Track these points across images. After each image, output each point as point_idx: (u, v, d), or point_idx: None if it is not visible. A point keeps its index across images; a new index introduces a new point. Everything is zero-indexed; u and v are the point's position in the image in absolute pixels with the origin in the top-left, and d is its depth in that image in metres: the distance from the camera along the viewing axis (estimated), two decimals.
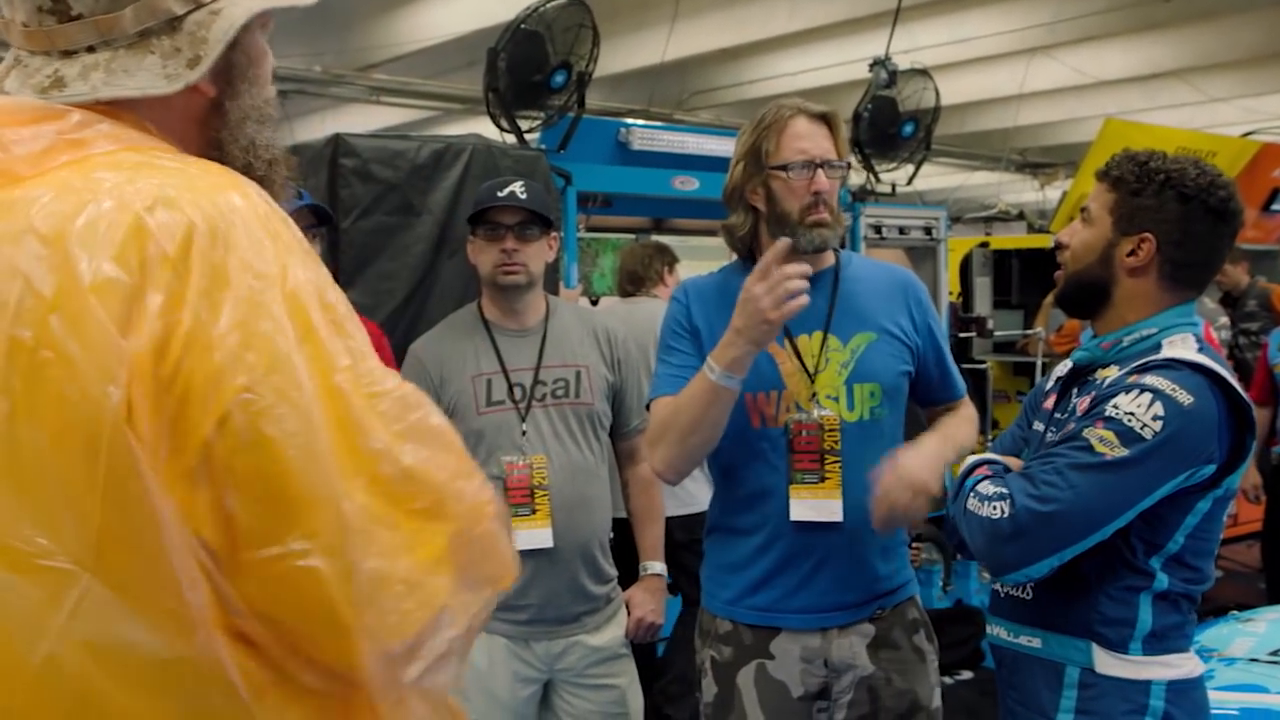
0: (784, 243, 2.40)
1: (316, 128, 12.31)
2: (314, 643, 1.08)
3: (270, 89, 1.37)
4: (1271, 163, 9.75)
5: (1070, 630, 2.25)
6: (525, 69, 4.90)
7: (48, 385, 1.03)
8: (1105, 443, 2.10)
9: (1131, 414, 2.11)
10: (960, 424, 2.72)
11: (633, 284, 5.08)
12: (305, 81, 11.47)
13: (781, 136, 2.61)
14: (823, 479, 2.60)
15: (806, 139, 2.60)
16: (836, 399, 2.62)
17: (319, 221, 3.32)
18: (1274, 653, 3.56)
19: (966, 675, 5.85)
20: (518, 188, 3.21)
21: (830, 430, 2.60)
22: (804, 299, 2.36)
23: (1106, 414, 2.13)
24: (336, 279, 3.55)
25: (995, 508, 2.14)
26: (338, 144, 3.83)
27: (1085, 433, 2.14)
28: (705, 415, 2.49)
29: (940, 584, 6.95)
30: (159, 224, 1.07)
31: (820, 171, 2.59)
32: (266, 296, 1.08)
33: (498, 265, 3.18)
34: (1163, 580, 2.21)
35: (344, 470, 1.07)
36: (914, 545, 6.41)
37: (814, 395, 2.62)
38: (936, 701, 2.73)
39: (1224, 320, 7.09)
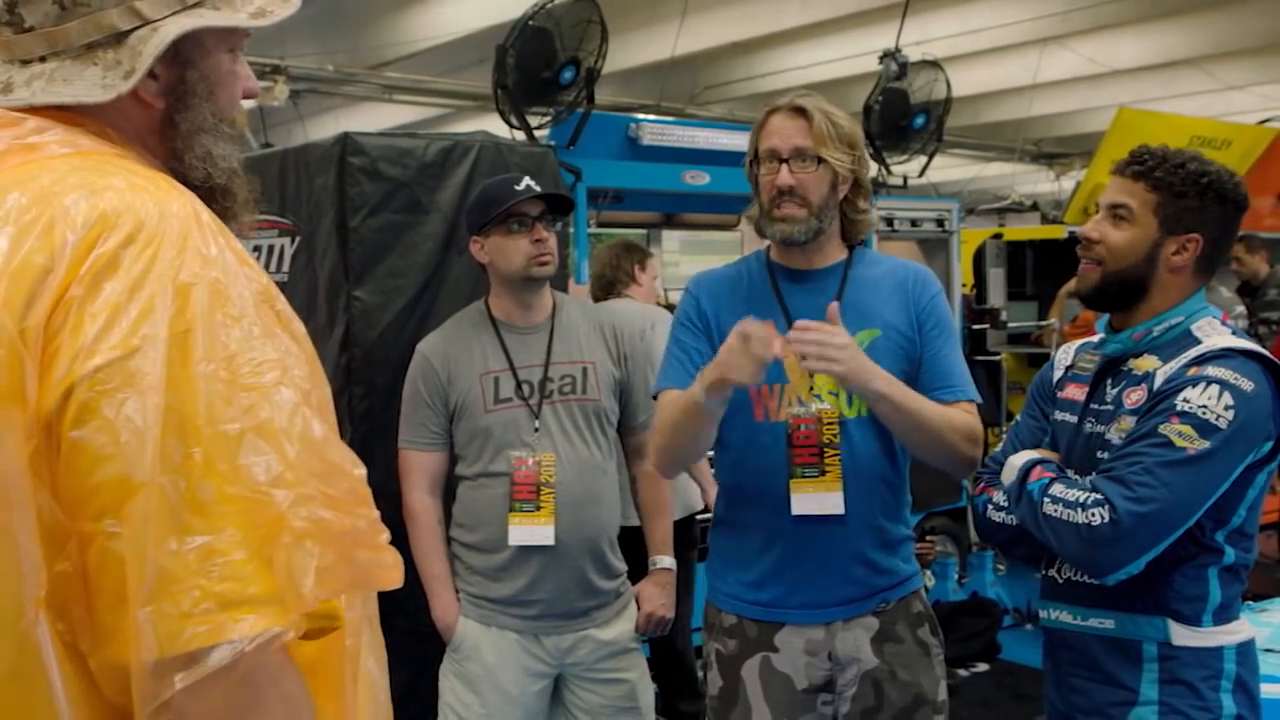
0: (771, 337, 2.42)
1: (330, 126, 12.37)
2: (106, 631, 1.08)
3: (231, 107, 1.42)
4: None
5: (1146, 610, 2.35)
6: (534, 65, 4.90)
7: None
8: (1185, 437, 2.21)
9: (1205, 406, 2.23)
10: (940, 409, 2.60)
11: (603, 290, 5.00)
12: (318, 80, 11.56)
13: (760, 133, 2.68)
14: (823, 473, 2.61)
15: (775, 135, 2.64)
16: (837, 394, 2.64)
17: None
18: None
19: (982, 668, 5.85)
20: (531, 182, 3.23)
21: (829, 424, 2.62)
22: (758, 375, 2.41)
23: (1179, 409, 2.24)
24: (346, 276, 3.58)
25: (1093, 514, 2.23)
26: (346, 142, 3.84)
27: (1162, 429, 2.24)
28: (684, 426, 2.60)
29: (955, 577, 6.95)
30: (74, 216, 1.15)
31: (784, 166, 2.61)
32: (150, 286, 1.13)
33: (533, 257, 3.18)
34: (1230, 554, 2.34)
35: (168, 465, 1.07)
36: (928, 539, 6.41)
37: (812, 389, 2.63)
38: (942, 695, 2.73)
39: (1240, 309, 7.06)
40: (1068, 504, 2.27)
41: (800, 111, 2.64)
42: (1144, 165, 2.39)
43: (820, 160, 2.61)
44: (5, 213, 1.16)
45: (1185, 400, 2.24)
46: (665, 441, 2.70)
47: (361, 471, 1.21)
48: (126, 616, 1.05)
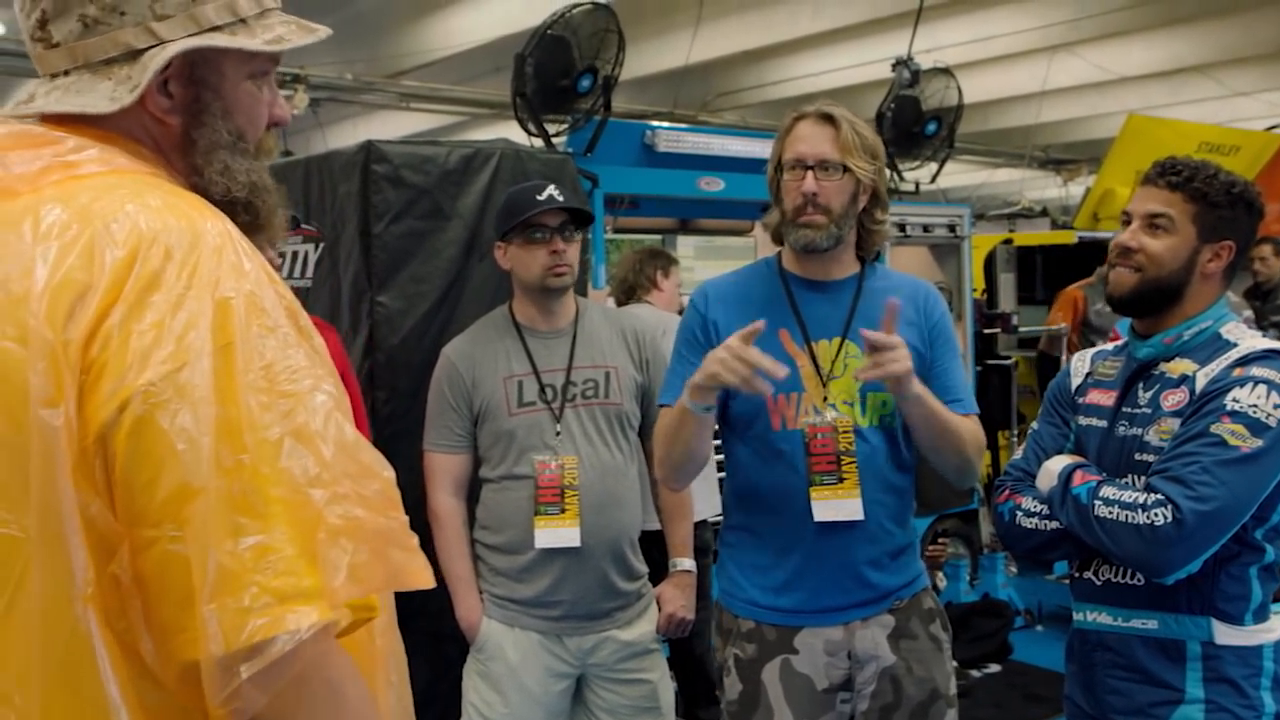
0: (757, 325, 2.45)
1: (349, 134, 12.44)
2: (170, 629, 1.14)
3: (253, 129, 1.48)
4: None
5: (1191, 609, 2.39)
6: (552, 74, 4.95)
7: (5, 374, 1.17)
8: (1238, 436, 2.27)
9: (1255, 405, 2.29)
10: (959, 417, 2.69)
11: (625, 293, 5.01)
12: (337, 89, 11.64)
13: (786, 140, 2.70)
14: (840, 480, 2.65)
15: (802, 142, 2.67)
16: (851, 404, 2.68)
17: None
18: None
19: (994, 668, 5.88)
20: (554, 190, 3.25)
21: (844, 432, 2.65)
22: (765, 386, 2.43)
23: (1229, 409, 2.30)
24: (369, 282, 3.62)
25: (1155, 514, 2.26)
26: (369, 150, 3.88)
27: (1214, 428, 2.29)
28: (678, 435, 2.63)
29: (967, 578, 6.98)
30: (114, 233, 1.21)
31: (810, 174, 2.64)
32: (191, 302, 1.19)
33: (549, 268, 3.22)
34: (1270, 553, 2.39)
35: (221, 470, 1.14)
36: (940, 541, 6.45)
37: (826, 398, 2.67)
38: (953, 689, 2.78)
39: (1248, 314, 7.08)
40: (1124, 505, 2.31)
41: (828, 119, 2.66)
42: (1180, 176, 2.46)
43: (845, 169, 2.65)
44: (47, 229, 1.22)
45: (1235, 400, 2.29)
46: (662, 453, 2.74)
47: (391, 474, 1.28)
48: (191, 615, 1.11)
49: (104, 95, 1.35)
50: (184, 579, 1.11)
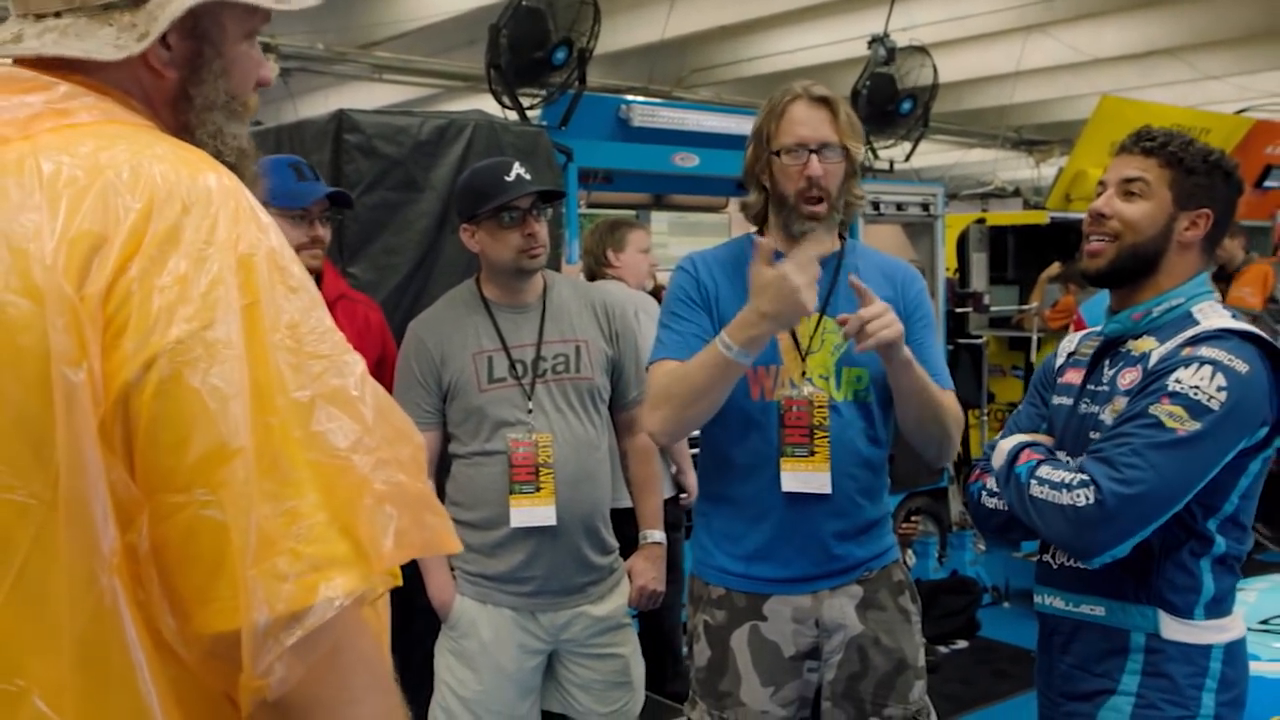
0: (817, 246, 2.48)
1: (320, 105, 12.30)
2: (198, 599, 1.10)
3: (245, 89, 1.43)
4: (1264, 139, 9.83)
5: (1137, 599, 2.33)
6: (527, 46, 4.93)
7: (11, 331, 1.11)
8: (1175, 418, 2.18)
9: (1196, 387, 2.19)
10: (941, 390, 2.69)
11: (588, 276, 4.94)
12: (308, 59, 11.53)
13: (781, 121, 2.67)
14: (812, 453, 2.66)
15: (803, 124, 2.65)
16: (827, 378, 2.69)
17: (331, 204, 3.33)
18: (1264, 621, 3.62)
19: (961, 645, 5.93)
20: (521, 170, 3.21)
21: (819, 407, 2.66)
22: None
23: (1170, 389, 2.21)
24: (340, 253, 3.56)
25: (1079, 495, 2.21)
26: (341, 120, 3.86)
27: (1153, 409, 2.21)
28: (712, 387, 2.56)
29: (936, 555, 7.03)
30: (127, 184, 1.15)
31: (814, 157, 2.63)
32: (214, 258, 1.14)
33: (523, 250, 3.18)
34: (1220, 544, 2.31)
35: (256, 428, 1.10)
36: (912, 519, 6.49)
37: (804, 373, 2.69)
38: (921, 660, 2.80)
39: (1216, 295, 7.13)
40: (1054, 485, 2.26)
41: (824, 102, 2.66)
42: (1155, 142, 2.40)
43: (845, 152, 2.66)
44: (51, 177, 1.16)
45: (1177, 381, 2.21)
46: (677, 408, 2.62)
47: (421, 440, 1.24)
48: (221, 583, 1.07)
49: (107, 42, 1.28)
50: (214, 546, 1.08)
